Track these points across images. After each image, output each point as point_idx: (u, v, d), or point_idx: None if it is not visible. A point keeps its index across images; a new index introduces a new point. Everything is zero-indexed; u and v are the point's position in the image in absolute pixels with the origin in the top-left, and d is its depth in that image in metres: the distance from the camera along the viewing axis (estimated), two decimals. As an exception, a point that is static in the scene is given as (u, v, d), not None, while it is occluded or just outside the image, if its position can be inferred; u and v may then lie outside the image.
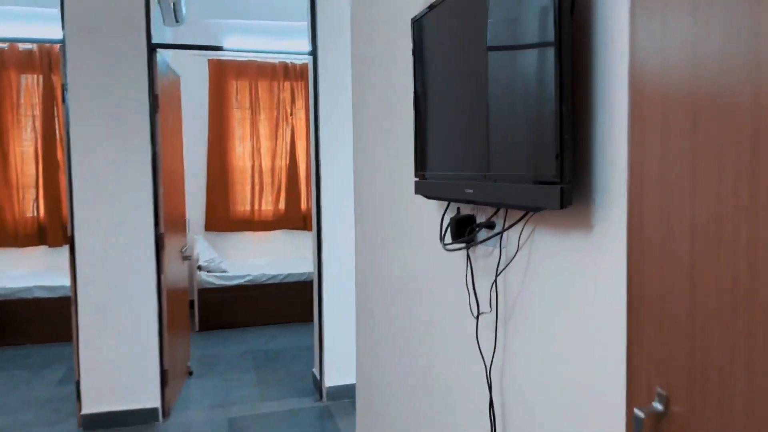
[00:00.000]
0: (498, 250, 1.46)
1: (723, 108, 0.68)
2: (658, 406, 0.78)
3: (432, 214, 1.81)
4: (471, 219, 1.58)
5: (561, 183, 1.10)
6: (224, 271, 5.32)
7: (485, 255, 1.51)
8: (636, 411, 0.79)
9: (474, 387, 1.54)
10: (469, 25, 1.40)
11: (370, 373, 2.45)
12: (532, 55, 1.17)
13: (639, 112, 0.86)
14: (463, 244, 1.56)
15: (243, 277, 5.32)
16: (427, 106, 1.66)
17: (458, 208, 1.66)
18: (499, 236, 1.43)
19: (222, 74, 5.82)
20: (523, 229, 1.35)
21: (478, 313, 1.52)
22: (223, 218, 5.94)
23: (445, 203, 1.71)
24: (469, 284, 1.57)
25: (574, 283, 1.17)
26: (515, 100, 1.23)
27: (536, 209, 1.18)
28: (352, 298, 3.50)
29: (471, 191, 1.41)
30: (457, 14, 1.47)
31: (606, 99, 1.07)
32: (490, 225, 1.50)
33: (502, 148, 1.28)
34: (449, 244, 1.61)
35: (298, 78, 6.01)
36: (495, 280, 1.44)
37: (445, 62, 1.55)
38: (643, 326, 0.82)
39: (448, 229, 1.67)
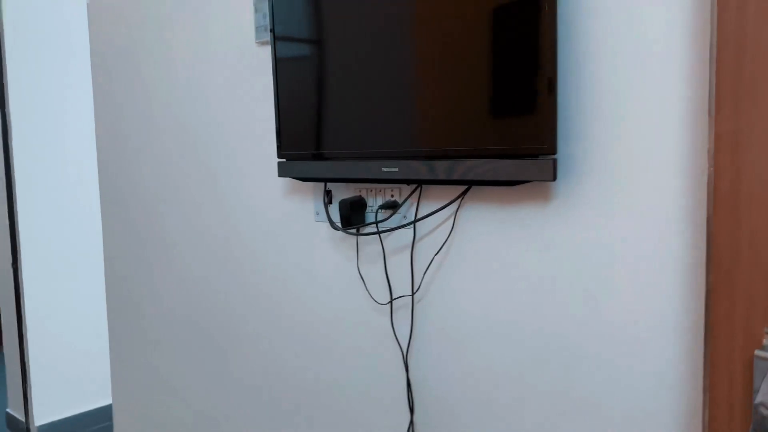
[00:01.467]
0: (412, 231, 1.34)
1: None
2: None
3: (289, 202, 1.57)
4: (361, 202, 1.42)
5: (553, 153, 1.05)
6: None
7: (381, 239, 1.38)
8: (757, 352, 0.81)
9: (386, 373, 1.42)
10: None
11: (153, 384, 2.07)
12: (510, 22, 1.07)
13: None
14: (373, 228, 1.39)
15: None
16: (307, 77, 1.40)
17: (329, 191, 1.48)
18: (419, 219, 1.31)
19: None
20: (459, 207, 1.26)
21: (391, 299, 1.38)
22: None
23: (320, 187, 1.50)
24: (367, 271, 1.42)
25: (530, 254, 1.15)
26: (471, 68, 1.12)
27: (522, 182, 1.11)
28: (73, 310, 2.90)
29: (395, 169, 1.25)
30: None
31: (575, 78, 1.05)
32: (392, 205, 1.37)
33: (461, 121, 1.15)
34: (352, 228, 1.42)
35: None
36: (430, 262, 1.32)
37: (348, 31, 1.32)
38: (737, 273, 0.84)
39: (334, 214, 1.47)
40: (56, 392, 3.12)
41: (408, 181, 1.26)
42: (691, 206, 0.97)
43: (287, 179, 1.59)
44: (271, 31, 1.45)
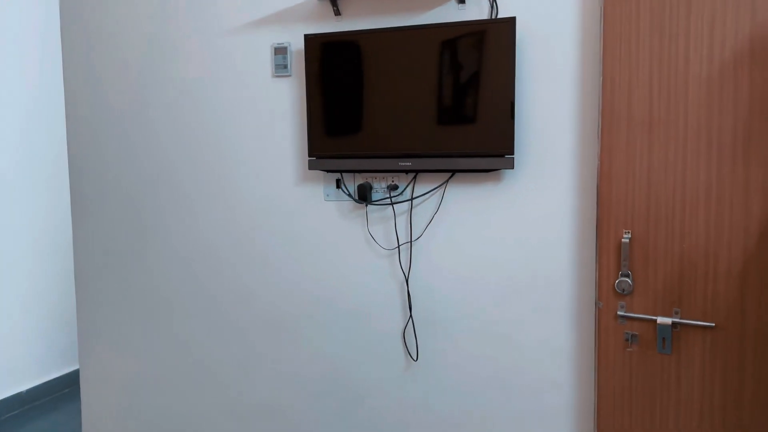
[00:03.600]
0: (409, 204, 2.18)
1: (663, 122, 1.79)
2: (627, 236, 1.85)
3: (302, 189, 2.28)
4: (370, 185, 2.21)
5: (513, 154, 1.99)
6: None
7: (382, 209, 2.19)
8: (623, 239, 1.84)
9: (394, 289, 2.23)
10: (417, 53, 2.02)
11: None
12: (488, 73, 1.97)
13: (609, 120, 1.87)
14: (388, 201, 2.19)
15: None
16: (344, 99, 2.12)
17: (338, 179, 2.23)
18: (430, 192, 2.15)
19: None
20: (446, 188, 2.13)
21: (398, 245, 2.20)
22: None
23: (331, 177, 2.24)
24: (375, 231, 2.21)
25: (488, 212, 2.08)
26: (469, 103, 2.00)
27: (494, 170, 2.02)
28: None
29: (409, 164, 2.08)
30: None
31: (528, 108, 2.01)
32: (395, 187, 2.19)
33: (460, 135, 2.02)
34: (377, 201, 2.19)
35: None
36: (432, 217, 2.16)
37: (383, 72, 2.08)
38: (611, 191, 1.88)
39: (352, 193, 2.23)
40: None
41: (416, 171, 2.10)
42: (587, 183, 1.98)
43: (297, 174, 2.28)
44: (306, 66, 2.15)
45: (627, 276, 1.84)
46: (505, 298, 2.09)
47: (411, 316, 2.21)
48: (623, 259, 1.84)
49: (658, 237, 1.81)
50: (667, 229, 1.79)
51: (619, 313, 1.86)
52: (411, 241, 2.18)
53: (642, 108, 1.79)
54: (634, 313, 1.85)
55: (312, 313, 2.34)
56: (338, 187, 2.26)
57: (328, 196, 2.28)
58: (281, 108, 2.29)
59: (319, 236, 2.30)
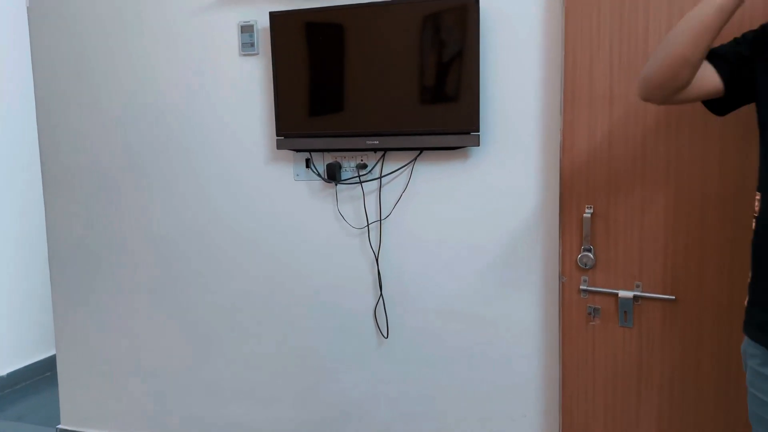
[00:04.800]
0: (378, 183, 2.19)
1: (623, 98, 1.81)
2: (589, 211, 1.87)
3: (272, 168, 2.29)
4: (339, 165, 2.22)
5: (478, 131, 2.00)
6: None
7: (352, 188, 2.20)
8: (585, 214, 1.87)
9: (364, 269, 2.25)
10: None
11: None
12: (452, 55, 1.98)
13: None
14: (357, 180, 2.20)
15: None
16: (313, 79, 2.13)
17: (307, 159, 2.24)
18: (399, 170, 2.17)
19: None
20: (413, 166, 2.14)
21: (368, 224, 2.22)
22: None
23: (300, 156, 2.24)
24: (344, 210, 2.23)
25: (455, 190, 2.10)
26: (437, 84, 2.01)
27: (460, 147, 2.04)
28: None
29: (376, 142, 2.09)
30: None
31: (494, 94, 2.02)
32: (363, 166, 2.20)
33: (431, 112, 2.03)
34: (346, 180, 2.20)
35: None
36: (400, 195, 2.18)
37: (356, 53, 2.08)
38: (574, 171, 1.90)
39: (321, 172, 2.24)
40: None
41: (384, 149, 2.11)
42: (551, 159, 2.00)
43: (266, 154, 2.29)
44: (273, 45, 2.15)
45: (589, 251, 1.87)
46: (473, 275, 2.11)
47: (381, 294, 2.23)
48: (585, 234, 1.86)
49: (619, 212, 1.83)
50: (627, 204, 1.82)
51: (581, 287, 1.89)
52: (380, 220, 2.20)
53: (603, 83, 1.81)
54: (597, 287, 1.88)
55: (283, 292, 2.36)
56: (308, 167, 2.27)
57: (298, 176, 2.28)
58: (249, 87, 2.29)
59: (289, 216, 2.31)
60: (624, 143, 1.80)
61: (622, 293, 1.84)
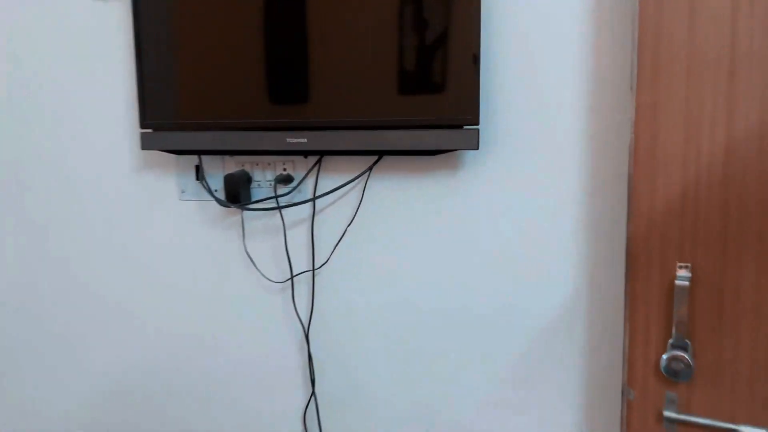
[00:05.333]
0: (311, 207, 1.32)
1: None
2: (684, 275, 1.01)
3: (146, 179, 1.40)
4: (244, 176, 1.34)
5: (477, 124, 1.14)
6: None
7: (269, 216, 1.33)
8: (677, 281, 1.01)
9: (283, 354, 1.38)
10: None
11: None
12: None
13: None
14: (274, 202, 1.32)
15: None
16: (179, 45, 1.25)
17: (197, 165, 1.37)
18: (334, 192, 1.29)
19: None
20: (367, 181, 1.27)
21: (292, 275, 1.34)
22: None
23: (188, 162, 1.37)
24: (255, 250, 1.35)
25: (436, 220, 1.24)
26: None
27: (447, 151, 1.17)
28: None
29: (303, 140, 1.21)
30: None
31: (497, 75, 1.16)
32: (286, 179, 1.33)
33: (379, 91, 1.16)
34: (257, 203, 1.32)
35: None
36: (342, 234, 1.31)
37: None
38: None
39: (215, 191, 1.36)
40: None
41: (318, 153, 1.23)
42: (605, 172, 1.13)
43: (138, 154, 1.41)
44: (132, -17, 1.27)
45: (683, 348, 1.01)
46: (462, 366, 1.25)
47: (314, 391, 1.36)
48: (678, 319, 1.00)
49: (743, 279, 0.97)
50: (761, 267, 0.96)
51: (666, 413, 1.03)
52: (313, 269, 1.33)
53: (717, 35, 0.95)
54: (694, 415, 1.02)
55: (160, 388, 1.48)
56: (198, 178, 1.40)
57: (184, 192, 1.41)
58: (105, 49, 1.41)
59: (169, 259, 1.43)
60: (758, 151, 0.94)
61: (746, 430, 0.99)
